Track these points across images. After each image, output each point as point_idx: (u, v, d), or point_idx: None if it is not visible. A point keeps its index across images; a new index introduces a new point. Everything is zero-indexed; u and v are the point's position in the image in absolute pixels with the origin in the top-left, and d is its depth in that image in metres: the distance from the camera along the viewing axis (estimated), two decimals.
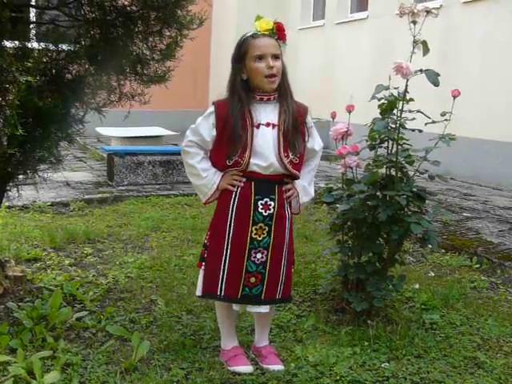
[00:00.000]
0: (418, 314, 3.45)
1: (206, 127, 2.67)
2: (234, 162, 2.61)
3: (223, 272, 2.66)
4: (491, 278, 4.21)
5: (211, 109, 2.67)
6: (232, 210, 2.66)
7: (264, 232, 2.65)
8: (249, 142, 2.59)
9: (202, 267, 2.77)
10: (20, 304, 3.31)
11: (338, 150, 3.30)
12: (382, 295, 3.23)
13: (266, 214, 2.65)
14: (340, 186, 3.49)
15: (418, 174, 3.28)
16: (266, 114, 2.64)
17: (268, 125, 2.63)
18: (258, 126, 2.62)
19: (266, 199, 2.65)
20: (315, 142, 2.82)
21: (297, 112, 2.69)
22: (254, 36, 2.61)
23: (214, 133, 2.65)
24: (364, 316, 3.28)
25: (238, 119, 2.59)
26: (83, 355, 2.84)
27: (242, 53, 2.62)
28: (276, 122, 2.63)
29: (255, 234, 2.64)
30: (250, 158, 2.59)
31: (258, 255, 2.66)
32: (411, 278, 4.02)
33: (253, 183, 2.64)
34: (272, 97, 2.66)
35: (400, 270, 3.84)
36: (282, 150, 2.62)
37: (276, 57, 2.60)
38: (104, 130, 9.47)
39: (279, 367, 2.76)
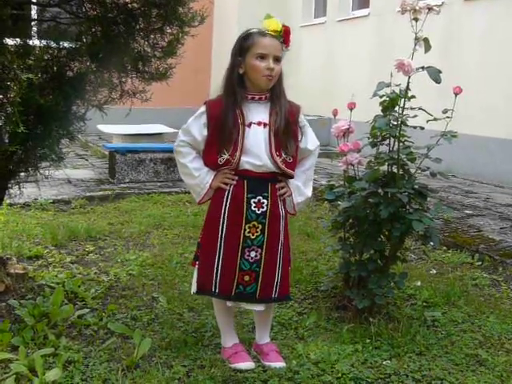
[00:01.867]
0: (419, 312, 3.45)
1: (196, 127, 2.67)
2: (225, 161, 2.61)
3: (217, 269, 2.66)
4: (493, 276, 4.21)
5: (202, 109, 2.68)
6: (225, 209, 2.65)
7: (257, 230, 2.64)
8: (240, 141, 2.59)
9: (196, 266, 2.77)
10: (22, 301, 3.31)
11: (339, 147, 3.30)
12: (383, 292, 3.23)
13: (259, 212, 2.64)
14: (341, 183, 3.49)
15: (419, 171, 3.28)
16: (258, 112, 2.64)
17: (260, 124, 2.63)
18: (249, 125, 2.62)
19: (258, 197, 2.64)
20: (308, 142, 2.79)
21: (289, 112, 2.68)
22: (262, 33, 2.60)
23: (206, 132, 2.65)
24: (366, 313, 3.28)
25: (230, 118, 2.59)
26: (85, 352, 2.84)
27: (244, 47, 2.61)
28: (267, 121, 2.63)
29: (248, 233, 2.64)
30: (240, 157, 2.59)
31: (252, 253, 2.65)
32: (413, 275, 4.02)
33: (245, 181, 2.64)
34: (264, 96, 2.66)
35: (402, 268, 3.84)
36: (273, 148, 2.61)
37: (277, 59, 2.59)
38: (105, 128, 9.47)
39: (281, 364, 2.76)
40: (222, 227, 2.65)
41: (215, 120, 2.62)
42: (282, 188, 2.72)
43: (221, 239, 2.65)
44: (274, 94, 2.66)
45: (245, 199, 2.63)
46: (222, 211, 2.65)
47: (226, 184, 2.65)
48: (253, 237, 2.64)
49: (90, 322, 3.18)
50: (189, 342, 2.96)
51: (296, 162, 2.72)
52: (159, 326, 3.18)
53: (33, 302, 3.27)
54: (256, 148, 2.61)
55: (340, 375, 2.68)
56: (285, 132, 2.64)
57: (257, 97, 2.65)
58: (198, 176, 2.70)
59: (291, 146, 2.67)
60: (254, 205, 2.64)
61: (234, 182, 2.64)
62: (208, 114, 2.65)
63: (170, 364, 2.76)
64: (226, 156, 2.60)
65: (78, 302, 3.46)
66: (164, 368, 2.71)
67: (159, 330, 3.12)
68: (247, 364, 2.75)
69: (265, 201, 2.65)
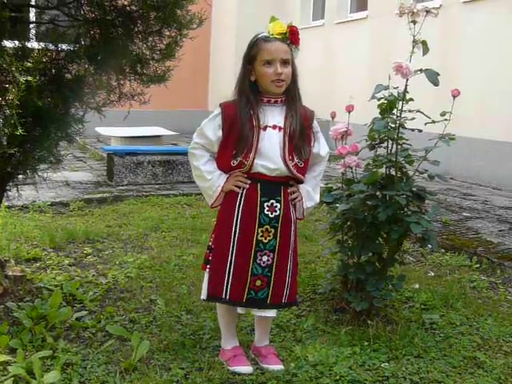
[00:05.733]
0: (417, 314, 3.45)
1: (211, 129, 2.66)
2: (239, 163, 2.61)
3: (228, 275, 2.65)
4: (491, 278, 4.21)
5: (218, 110, 2.67)
6: (238, 212, 2.64)
7: (270, 234, 2.64)
8: (254, 144, 2.58)
9: (207, 269, 2.75)
10: (20, 304, 3.31)
11: (337, 149, 3.30)
12: (381, 295, 3.23)
13: (272, 216, 2.64)
14: (340, 185, 3.49)
15: (417, 173, 3.28)
16: (274, 116, 2.63)
17: (275, 127, 2.62)
18: (264, 128, 2.61)
19: (271, 201, 2.64)
20: (321, 147, 2.80)
21: (303, 117, 2.68)
22: (266, 39, 2.60)
23: (220, 134, 2.64)
24: (364, 316, 3.28)
25: (245, 120, 2.58)
26: (83, 355, 2.84)
27: (251, 55, 2.62)
28: (282, 125, 2.63)
29: (261, 237, 2.63)
30: (254, 160, 2.58)
31: (264, 258, 2.65)
32: (411, 277, 4.02)
33: (259, 185, 2.63)
34: (279, 100, 2.65)
35: (400, 270, 3.84)
36: (287, 153, 2.61)
37: (285, 62, 2.58)
38: (104, 130, 9.46)
39: (279, 367, 2.76)
40: (235, 231, 2.64)
41: (230, 122, 2.61)
42: (294, 192, 2.72)
43: (233, 243, 2.65)
44: (290, 96, 2.66)
45: (258, 203, 2.62)
46: (235, 214, 2.64)
47: (239, 187, 2.64)
48: (265, 241, 2.64)
49: (88, 324, 3.17)
50: (187, 345, 2.96)
51: (307, 166, 2.73)
52: (157, 328, 3.18)
53: (31, 305, 3.27)
54: (270, 151, 2.60)
55: (338, 378, 2.68)
56: (300, 136, 2.64)
57: (272, 100, 2.65)
58: (210, 179, 2.69)
59: (305, 150, 2.67)
60: (267, 208, 2.63)
61: (247, 186, 2.63)
62: (223, 116, 2.64)
63: (168, 366, 2.76)
64: (239, 158, 2.60)
65: (76, 304, 3.46)
66: (162, 370, 2.71)
67: (157, 333, 3.12)
68: (245, 368, 2.74)
69: (278, 204, 2.64)
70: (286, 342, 3.07)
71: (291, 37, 2.61)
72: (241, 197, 2.64)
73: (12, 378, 2.56)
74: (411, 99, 3.15)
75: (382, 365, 2.84)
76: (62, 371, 2.65)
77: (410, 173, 3.31)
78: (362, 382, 2.67)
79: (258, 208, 2.62)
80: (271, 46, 2.58)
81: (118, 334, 3.06)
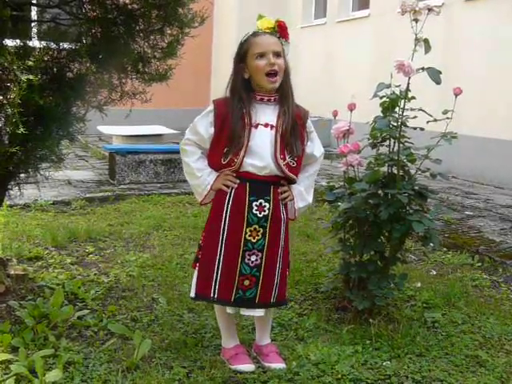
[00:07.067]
0: (419, 313, 3.45)
1: (203, 125, 2.65)
2: (229, 161, 2.59)
3: (217, 274, 2.65)
4: (493, 277, 4.21)
5: (210, 107, 2.66)
6: (226, 211, 2.63)
7: (259, 234, 2.63)
8: (245, 142, 2.57)
9: (196, 268, 2.76)
10: (22, 302, 3.31)
11: (339, 148, 3.30)
12: (383, 294, 3.23)
13: (260, 216, 2.62)
14: (342, 184, 3.49)
15: (419, 172, 3.28)
16: (266, 114, 2.63)
17: (266, 125, 2.61)
18: (256, 126, 2.60)
19: (260, 200, 2.62)
20: (315, 147, 2.79)
21: (296, 115, 2.67)
22: (255, 34, 2.60)
23: (212, 131, 2.63)
24: (366, 314, 3.28)
25: (238, 118, 2.58)
26: (85, 354, 2.84)
27: (243, 51, 2.61)
28: (274, 124, 2.62)
29: (249, 236, 2.62)
30: (243, 158, 2.57)
31: (253, 257, 2.64)
32: (413, 276, 4.02)
33: (247, 184, 2.62)
34: (273, 98, 2.64)
35: (402, 269, 3.83)
36: (278, 151, 2.59)
37: (277, 54, 2.58)
38: (105, 129, 9.47)
39: (281, 366, 2.76)
40: (223, 230, 2.64)
41: (222, 119, 2.60)
42: (285, 192, 2.70)
43: (221, 242, 2.64)
44: (283, 94, 2.65)
45: (246, 202, 2.61)
46: (224, 213, 2.64)
47: (228, 186, 2.64)
48: (254, 240, 2.63)
49: (90, 323, 3.18)
50: (189, 343, 2.96)
51: (300, 166, 2.71)
52: (159, 327, 3.18)
53: (33, 303, 3.27)
54: (261, 149, 2.59)
55: (340, 376, 2.68)
56: (292, 133, 2.62)
57: (265, 98, 2.64)
58: (200, 176, 2.68)
59: (298, 148, 2.65)
60: (255, 208, 2.62)
61: (235, 185, 2.63)
62: (215, 113, 2.63)
63: (170, 365, 2.76)
64: (230, 156, 2.58)
65: (78, 303, 3.46)
66: (164, 369, 2.71)
67: (159, 331, 3.12)
68: (247, 366, 2.74)
69: (267, 204, 2.63)
70: (287, 340, 3.07)
71: (280, 31, 2.61)
72: (229, 196, 2.63)
73: (14, 377, 2.57)
74: (413, 97, 3.14)
75: (384, 363, 2.84)
76: (64, 370, 2.65)
77: (412, 171, 3.30)
78: (363, 380, 2.67)
79: (247, 207, 2.61)
80: (261, 39, 2.58)
81: (120, 332, 3.06)
